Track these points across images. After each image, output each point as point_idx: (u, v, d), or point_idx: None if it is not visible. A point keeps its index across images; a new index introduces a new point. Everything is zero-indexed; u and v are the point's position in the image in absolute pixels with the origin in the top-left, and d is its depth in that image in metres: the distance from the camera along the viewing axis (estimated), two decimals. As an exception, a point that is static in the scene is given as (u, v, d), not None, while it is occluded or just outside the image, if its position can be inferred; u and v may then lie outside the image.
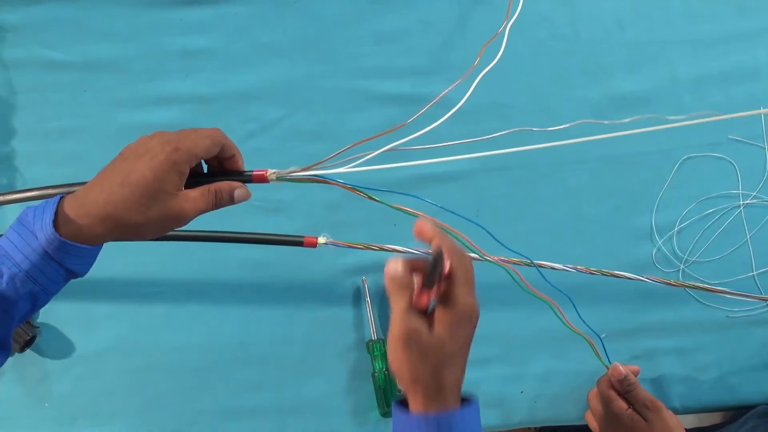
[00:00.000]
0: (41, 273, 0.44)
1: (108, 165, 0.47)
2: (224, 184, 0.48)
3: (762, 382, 0.76)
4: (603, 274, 0.63)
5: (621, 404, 0.67)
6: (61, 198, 0.45)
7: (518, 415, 0.75)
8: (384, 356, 0.72)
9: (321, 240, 0.63)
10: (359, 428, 0.73)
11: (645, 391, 0.67)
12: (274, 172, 0.46)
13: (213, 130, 0.47)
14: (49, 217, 0.43)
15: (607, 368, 0.68)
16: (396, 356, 0.43)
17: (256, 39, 0.79)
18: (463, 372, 0.45)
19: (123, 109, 0.76)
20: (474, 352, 0.76)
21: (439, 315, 0.43)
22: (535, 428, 0.96)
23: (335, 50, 0.79)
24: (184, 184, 0.46)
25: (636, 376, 0.68)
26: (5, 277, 0.43)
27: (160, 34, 0.78)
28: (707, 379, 0.76)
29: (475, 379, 0.74)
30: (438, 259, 0.42)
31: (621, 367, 0.67)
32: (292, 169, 0.48)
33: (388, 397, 0.71)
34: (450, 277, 0.43)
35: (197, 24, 0.78)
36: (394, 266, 0.44)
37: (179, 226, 0.47)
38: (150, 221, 0.45)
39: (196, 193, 0.47)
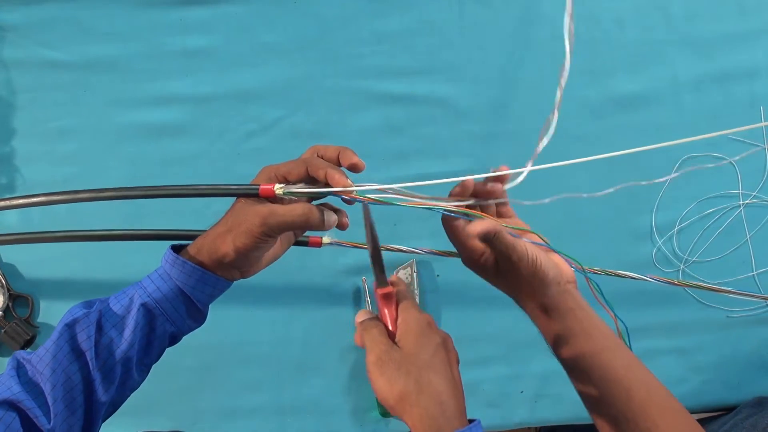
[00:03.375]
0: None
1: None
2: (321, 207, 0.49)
3: (762, 381, 0.76)
4: (606, 274, 0.62)
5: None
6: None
7: (518, 415, 0.75)
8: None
9: (326, 240, 0.63)
10: (359, 428, 0.73)
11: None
12: (281, 187, 0.47)
13: (303, 206, 0.47)
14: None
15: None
16: (377, 383, 0.43)
17: (256, 39, 0.79)
18: (453, 385, 0.42)
19: (123, 109, 0.76)
20: (474, 352, 0.78)
21: (400, 332, 0.44)
22: (535, 428, 0.96)
23: (335, 50, 0.79)
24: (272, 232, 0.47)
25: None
26: (158, 322, 0.50)
27: (160, 34, 0.78)
28: (707, 379, 0.76)
29: (475, 379, 0.74)
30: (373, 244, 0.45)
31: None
32: (301, 185, 0.48)
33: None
34: (391, 298, 0.45)
35: (197, 24, 0.78)
36: (358, 315, 0.47)
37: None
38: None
39: (297, 207, 0.47)
